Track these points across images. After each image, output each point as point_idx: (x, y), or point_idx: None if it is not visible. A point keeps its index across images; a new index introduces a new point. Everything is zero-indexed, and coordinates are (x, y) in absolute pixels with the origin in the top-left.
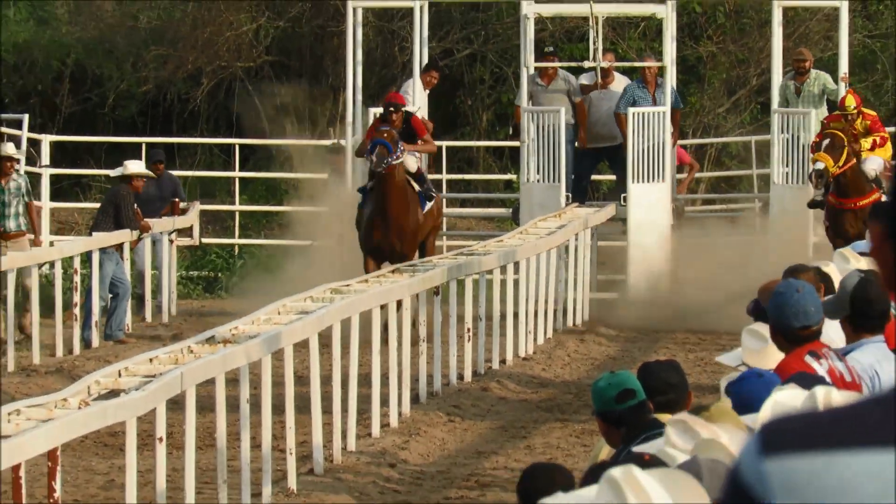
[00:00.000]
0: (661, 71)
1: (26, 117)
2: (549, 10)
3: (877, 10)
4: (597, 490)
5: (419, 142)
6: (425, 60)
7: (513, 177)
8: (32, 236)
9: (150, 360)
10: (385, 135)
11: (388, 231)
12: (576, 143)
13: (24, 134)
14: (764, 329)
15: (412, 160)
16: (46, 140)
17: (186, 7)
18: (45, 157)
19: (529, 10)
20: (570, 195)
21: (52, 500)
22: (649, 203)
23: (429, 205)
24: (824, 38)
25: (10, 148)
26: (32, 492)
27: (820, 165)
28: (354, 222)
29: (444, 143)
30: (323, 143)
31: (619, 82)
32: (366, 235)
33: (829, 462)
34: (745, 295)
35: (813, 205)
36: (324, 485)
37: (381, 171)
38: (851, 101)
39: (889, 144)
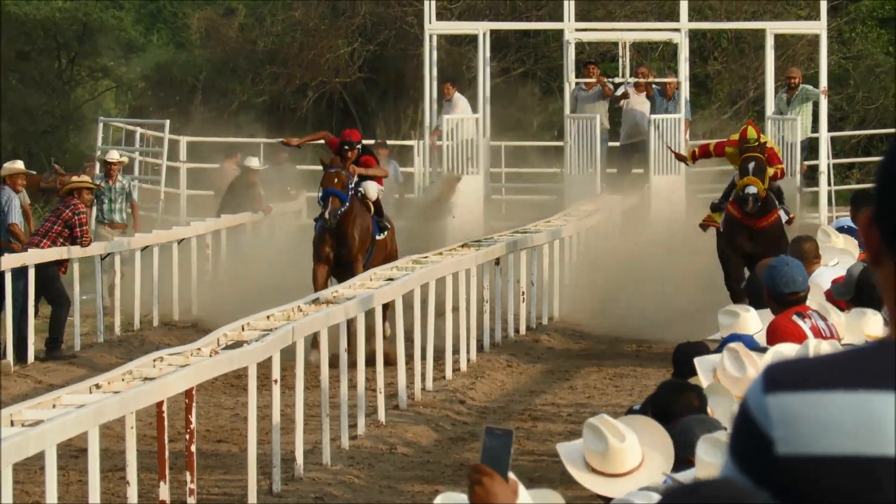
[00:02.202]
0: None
1: (167, 122)
2: (586, 36)
3: (849, 36)
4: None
5: (372, 170)
6: (487, 78)
7: (557, 170)
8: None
9: (268, 317)
10: (336, 179)
11: (337, 242)
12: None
13: (166, 136)
14: (736, 307)
15: (373, 189)
16: (183, 140)
17: (295, 33)
18: (183, 153)
19: (571, 36)
20: (605, 185)
21: (188, 430)
22: (668, 192)
23: (382, 235)
24: (808, 59)
25: (114, 154)
26: (173, 423)
27: (752, 189)
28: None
29: (503, 143)
30: (407, 143)
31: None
32: (316, 246)
33: (818, 399)
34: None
35: (714, 207)
36: (407, 417)
37: (332, 226)
38: (753, 133)
39: (783, 173)
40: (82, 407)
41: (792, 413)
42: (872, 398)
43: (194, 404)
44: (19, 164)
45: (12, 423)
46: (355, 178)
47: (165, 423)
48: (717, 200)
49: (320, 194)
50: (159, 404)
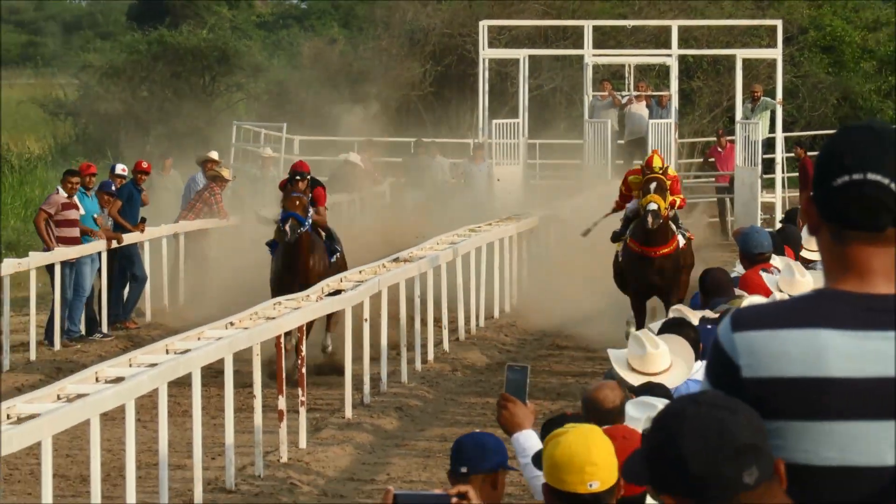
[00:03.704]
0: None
1: (285, 125)
2: (600, 60)
3: (799, 60)
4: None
5: (314, 212)
6: (526, 91)
7: (578, 161)
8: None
9: (360, 272)
10: (297, 203)
11: (296, 280)
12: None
13: (283, 135)
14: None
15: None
16: (297, 139)
17: (381, 57)
18: (297, 149)
19: (589, 59)
20: (614, 173)
21: (300, 357)
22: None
23: (335, 257)
24: (767, 77)
25: (213, 154)
26: (289, 354)
27: (653, 206)
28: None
29: (538, 141)
30: (465, 140)
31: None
32: (276, 290)
33: (773, 335)
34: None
35: (615, 237)
36: (465, 346)
37: (291, 241)
38: (658, 162)
39: (685, 203)
40: (220, 339)
41: (753, 346)
42: (816, 333)
43: (304, 338)
44: (214, 154)
45: (167, 351)
46: (308, 218)
47: (283, 351)
48: (618, 230)
49: (281, 216)
50: (277, 338)
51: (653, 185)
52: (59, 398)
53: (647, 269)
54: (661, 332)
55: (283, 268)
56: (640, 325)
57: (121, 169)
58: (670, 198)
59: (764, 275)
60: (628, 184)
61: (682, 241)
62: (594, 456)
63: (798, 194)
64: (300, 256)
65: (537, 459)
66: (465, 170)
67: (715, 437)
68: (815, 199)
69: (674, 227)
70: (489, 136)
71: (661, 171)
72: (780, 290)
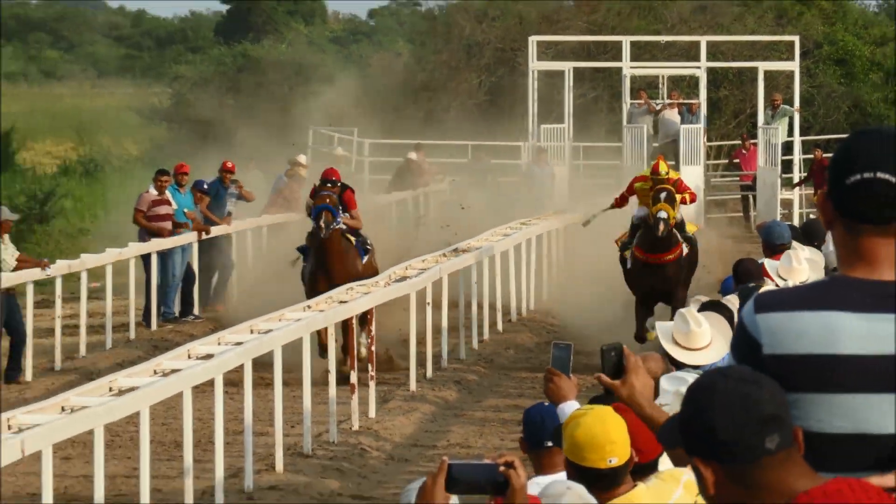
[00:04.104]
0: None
1: (356, 129)
2: (637, 71)
3: (814, 71)
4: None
5: (348, 215)
6: (571, 100)
7: (617, 162)
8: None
9: (423, 260)
10: (328, 199)
11: (330, 282)
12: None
13: (355, 139)
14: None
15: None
16: (367, 142)
17: (442, 69)
18: (366, 150)
19: (627, 71)
20: None
21: (370, 336)
22: (693, 177)
23: (366, 257)
24: (786, 87)
25: (301, 158)
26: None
27: (663, 214)
28: (300, 276)
29: (582, 144)
30: (516, 143)
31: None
32: (310, 289)
33: (791, 316)
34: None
35: (623, 246)
36: (516, 327)
37: (326, 236)
38: (664, 167)
39: (695, 196)
40: (300, 320)
41: (773, 326)
42: (829, 315)
43: (374, 320)
44: (302, 158)
45: (251, 331)
46: (340, 213)
47: (355, 332)
48: (626, 240)
49: (313, 212)
50: (349, 320)
51: (663, 195)
52: (155, 373)
53: (653, 275)
54: (701, 311)
55: (317, 268)
56: (640, 326)
57: (230, 165)
58: (679, 197)
59: (766, 262)
60: (632, 187)
61: (685, 249)
62: (612, 435)
63: (812, 192)
64: (332, 257)
65: (557, 436)
66: (528, 171)
67: (741, 407)
68: (831, 196)
69: (678, 235)
70: (538, 140)
71: (665, 175)
72: (780, 276)
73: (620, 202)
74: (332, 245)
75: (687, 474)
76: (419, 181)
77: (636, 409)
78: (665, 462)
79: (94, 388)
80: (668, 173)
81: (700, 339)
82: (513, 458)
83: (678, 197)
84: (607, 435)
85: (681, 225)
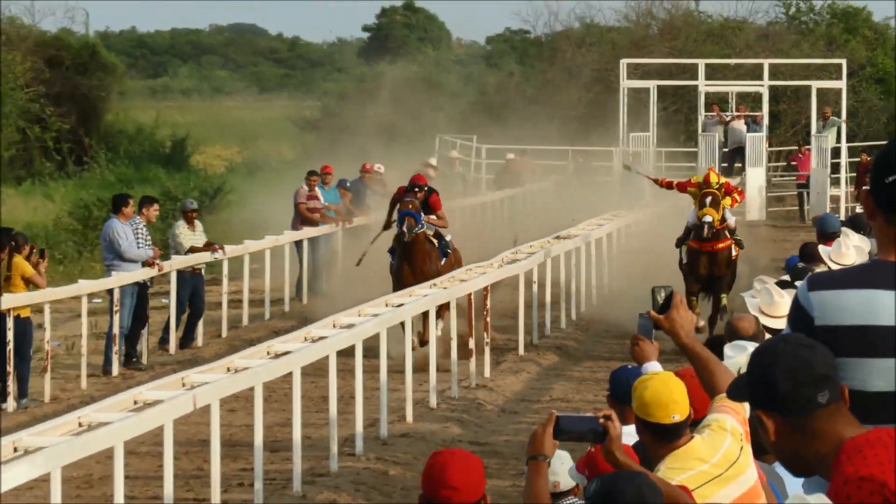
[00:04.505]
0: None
1: (475, 137)
2: (710, 89)
3: (858, 88)
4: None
5: (435, 216)
6: (655, 112)
7: (694, 164)
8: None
9: (530, 246)
10: (410, 206)
11: (414, 277)
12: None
13: (474, 144)
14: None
15: (430, 227)
16: (483, 147)
17: (546, 87)
18: (483, 154)
19: (702, 89)
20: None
21: (486, 310)
22: (755, 177)
23: (445, 259)
24: (835, 102)
25: (432, 160)
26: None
27: (708, 218)
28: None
29: (664, 149)
30: (609, 148)
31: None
32: (396, 283)
33: (839, 294)
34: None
35: (678, 243)
36: (609, 300)
37: (409, 240)
38: (714, 178)
39: (744, 195)
40: (426, 295)
41: (824, 302)
42: (871, 293)
43: (489, 295)
44: (433, 160)
45: (385, 305)
46: (422, 217)
47: (472, 306)
48: (681, 236)
49: (398, 217)
50: (468, 295)
51: (708, 199)
52: (305, 339)
53: (706, 261)
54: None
55: (402, 265)
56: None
57: (377, 167)
58: (728, 200)
59: (820, 247)
60: (684, 187)
61: (735, 247)
62: (675, 395)
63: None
64: (416, 257)
65: (627, 396)
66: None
67: (798, 368)
68: (872, 193)
69: (728, 234)
70: (628, 146)
71: (717, 186)
72: (832, 259)
73: (666, 184)
74: (416, 246)
75: (731, 422)
76: (517, 180)
77: (675, 338)
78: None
79: (253, 352)
80: (718, 181)
81: (783, 309)
82: (610, 412)
83: (727, 200)
84: (671, 395)
85: (731, 230)
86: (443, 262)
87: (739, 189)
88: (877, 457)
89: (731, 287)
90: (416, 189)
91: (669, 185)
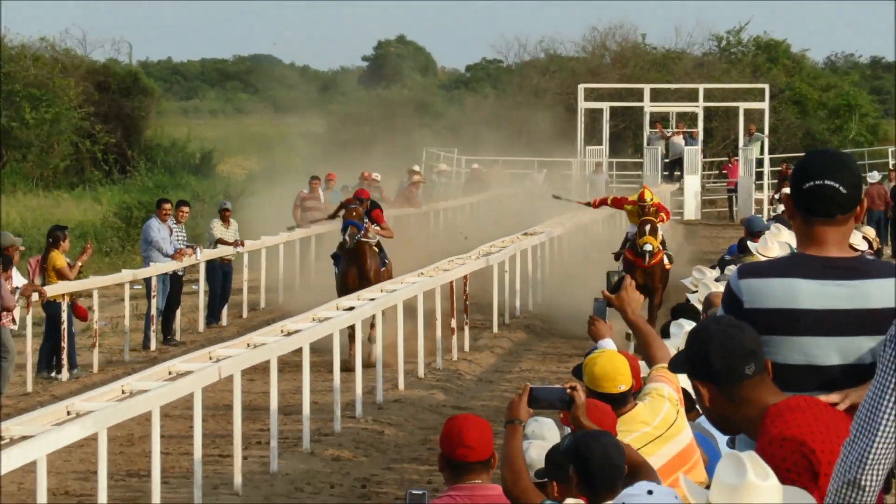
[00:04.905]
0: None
1: (456, 150)
2: (654, 109)
3: (778, 109)
4: None
5: (379, 227)
6: (608, 129)
7: (640, 172)
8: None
9: (502, 241)
10: (354, 214)
11: (359, 281)
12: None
13: (455, 156)
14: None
15: (372, 235)
16: (463, 159)
17: (517, 107)
18: (464, 164)
19: (647, 109)
20: (662, 181)
21: (466, 296)
22: (692, 184)
23: (384, 267)
24: (759, 119)
25: (416, 167)
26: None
27: (649, 247)
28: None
29: (615, 160)
30: (569, 160)
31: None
32: (341, 285)
33: (765, 281)
34: None
35: (616, 257)
36: (567, 288)
37: (351, 247)
38: (648, 195)
39: (669, 214)
40: (414, 283)
41: (751, 288)
42: (792, 281)
43: (468, 283)
44: (416, 167)
45: (381, 291)
46: (365, 225)
47: (454, 293)
48: (618, 250)
49: (342, 226)
50: (451, 282)
51: (647, 227)
52: (313, 319)
53: (638, 272)
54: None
55: (349, 269)
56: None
57: (375, 175)
58: (660, 216)
59: (749, 243)
60: (620, 204)
61: (666, 260)
62: (621, 369)
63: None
64: (361, 260)
65: (578, 371)
66: (590, 178)
67: (728, 344)
68: (792, 197)
69: (662, 248)
70: (584, 157)
71: (650, 201)
72: (759, 253)
73: (599, 202)
74: (360, 251)
75: (667, 390)
76: (483, 187)
77: (624, 314)
78: None
79: (269, 330)
80: (652, 199)
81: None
82: (576, 383)
83: (661, 225)
84: (617, 369)
85: (663, 243)
86: (382, 269)
87: (667, 209)
88: (796, 420)
89: (663, 293)
90: (359, 202)
91: (604, 202)
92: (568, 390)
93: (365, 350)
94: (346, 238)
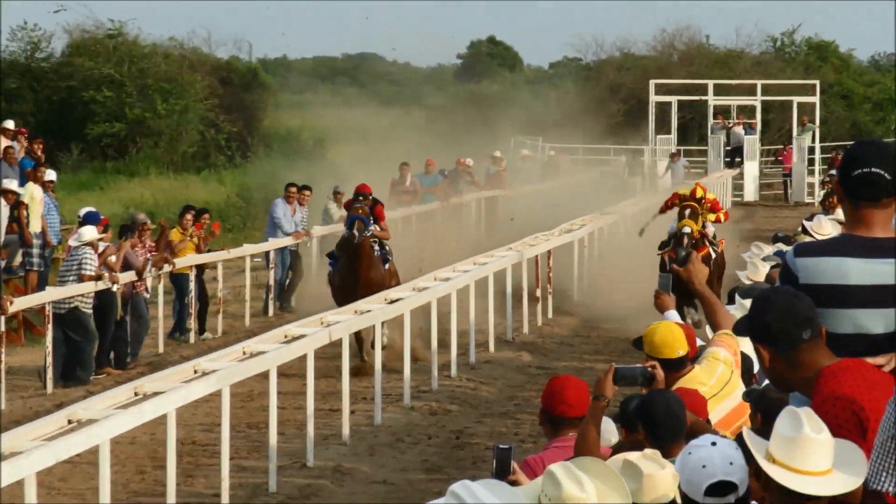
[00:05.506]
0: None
1: (541, 138)
2: (717, 102)
3: (828, 102)
4: None
5: (378, 227)
6: (676, 120)
7: (705, 159)
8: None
9: (535, 237)
10: (360, 210)
11: (358, 286)
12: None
13: (539, 144)
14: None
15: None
16: (546, 146)
17: (595, 101)
18: (547, 151)
19: (711, 102)
20: (725, 166)
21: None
22: (751, 169)
23: (387, 265)
24: (811, 112)
25: (497, 153)
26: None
27: (687, 229)
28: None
29: (683, 147)
30: (641, 147)
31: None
32: (340, 293)
33: (818, 260)
34: None
35: (661, 246)
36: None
37: (359, 242)
38: (700, 192)
39: (728, 216)
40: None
41: (806, 265)
42: (842, 260)
43: (551, 260)
44: (497, 153)
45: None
46: (370, 223)
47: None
48: (665, 240)
49: (347, 221)
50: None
51: (687, 212)
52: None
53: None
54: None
55: (348, 272)
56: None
57: (468, 161)
58: (712, 216)
59: (804, 222)
60: (673, 201)
61: (712, 254)
62: (678, 336)
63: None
64: (362, 263)
65: (638, 342)
66: (669, 167)
67: (787, 311)
68: (841, 183)
69: (707, 241)
70: (654, 145)
71: (700, 199)
72: (814, 231)
73: (665, 209)
74: (363, 251)
75: (723, 353)
76: (557, 172)
77: (691, 285)
78: None
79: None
80: (703, 198)
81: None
82: (655, 363)
83: (711, 216)
84: (675, 337)
85: (711, 240)
86: (385, 268)
87: (726, 211)
88: (847, 380)
89: (719, 285)
90: (361, 198)
91: (667, 207)
92: (649, 369)
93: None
94: (355, 232)
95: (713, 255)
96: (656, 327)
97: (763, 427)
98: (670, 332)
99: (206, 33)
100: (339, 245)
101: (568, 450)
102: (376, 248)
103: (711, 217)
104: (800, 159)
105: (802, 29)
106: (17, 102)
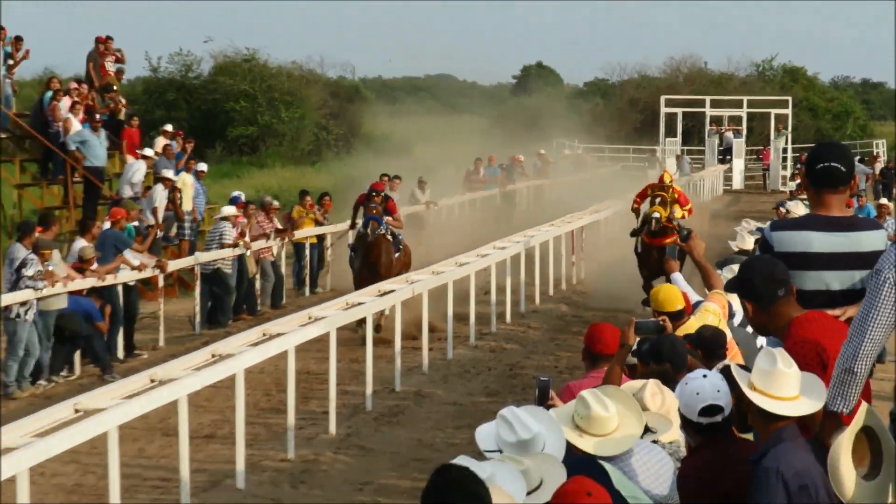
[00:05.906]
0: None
1: (577, 140)
2: (712, 113)
3: (798, 113)
4: None
5: (392, 218)
6: (681, 126)
7: (703, 157)
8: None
9: (551, 224)
10: (374, 211)
11: (374, 275)
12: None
13: (576, 144)
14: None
15: (385, 228)
16: (581, 146)
17: (618, 112)
18: (580, 150)
19: (708, 112)
20: (717, 163)
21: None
22: (738, 165)
23: (399, 253)
24: (785, 120)
25: (542, 151)
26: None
27: (656, 215)
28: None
29: (686, 147)
30: (653, 147)
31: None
32: (358, 279)
33: (790, 234)
34: None
35: (633, 233)
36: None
37: (373, 241)
38: (668, 178)
39: (692, 211)
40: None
41: (781, 237)
42: (808, 233)
43: (584, 232)
44: (542, 151)
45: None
46: (383, 221)
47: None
48: (637, 228)
49: (363, 220)
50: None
51: (657, 200)
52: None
53: (654, 253)
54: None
55: (363, 263)
56: (647, 289)
57: (520, 157)
58: (680, 211)
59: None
60: (645, 192)
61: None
62: (677, 295)
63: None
64: (376, 254)
65: (646, 301)
66: (678, 165)
67: (767, 273)
68: (807, 174)
69: (676, 226)
70: (664, 146)
71: (669, 184)
72: (788, 211)
73: (639, 202)
74: (377, 247)
75: (713, 307)
76: (583, 167)
77: (692, 255)
78: None
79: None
80: (671, 182)
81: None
82: (665, 317)
83: (679, 211)
84: (675, 295)
85: (678, 226)
86: (396, 255)
87: (690, 207)
88: (812, 328)
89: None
90: (374, 194)
91: (639, 202)
92: (661, 322)
93: (377, 321)
94: (368, 232)
95: (678, 240)
96: (659, 288)
97: (705, 361)
98: (670, 292)
99: (320, 58)
100: (358, 238)
101: (600, 379)
102: (389, 236)
103: (679, 213)
104: (776, 157)
105: (779, 57)
106: (174, 111)
